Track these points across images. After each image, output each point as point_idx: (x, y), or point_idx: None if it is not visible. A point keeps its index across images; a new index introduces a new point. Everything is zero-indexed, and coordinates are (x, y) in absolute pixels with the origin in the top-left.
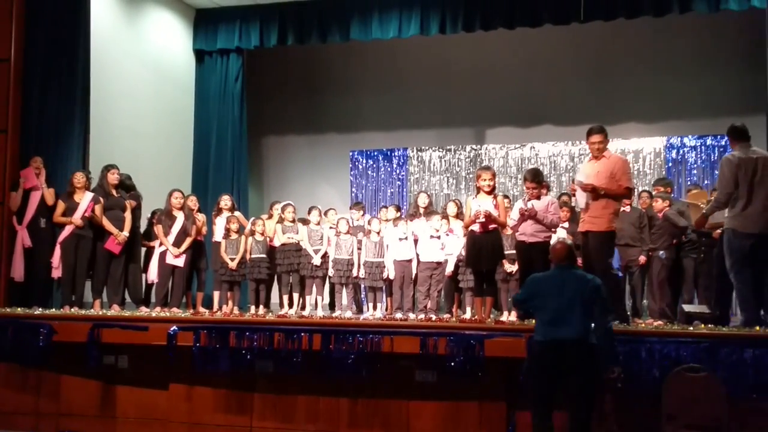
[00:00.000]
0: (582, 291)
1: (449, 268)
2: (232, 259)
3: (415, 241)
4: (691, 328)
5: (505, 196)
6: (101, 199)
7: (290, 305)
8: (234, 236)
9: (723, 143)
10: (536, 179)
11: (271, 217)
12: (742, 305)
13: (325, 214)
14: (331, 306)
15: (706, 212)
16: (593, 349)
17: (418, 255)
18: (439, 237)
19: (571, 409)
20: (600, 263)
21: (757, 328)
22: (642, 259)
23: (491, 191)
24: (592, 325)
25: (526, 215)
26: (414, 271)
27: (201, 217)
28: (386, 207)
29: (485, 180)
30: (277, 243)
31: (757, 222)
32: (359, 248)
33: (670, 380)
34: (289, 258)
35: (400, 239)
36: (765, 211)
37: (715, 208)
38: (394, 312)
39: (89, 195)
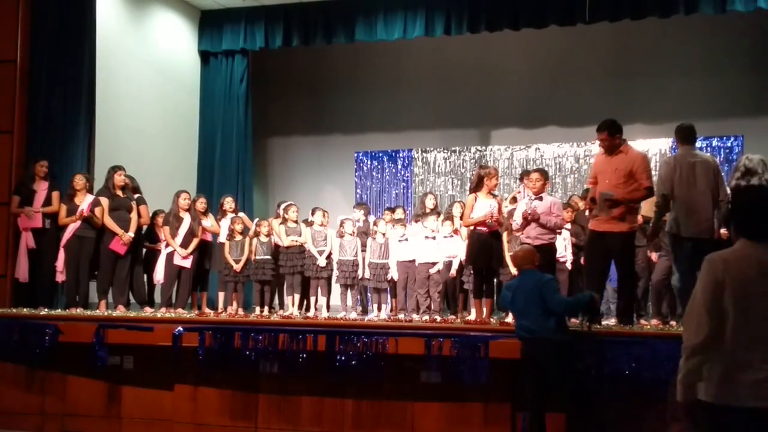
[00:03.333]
0: (536, 290)
1: (440, 267)
2: (237, 261)
3: None
4: None
5: (514, 199)
6: (101, 201)
7: (293, 306)
8: (238, 237)
9: (729, 144)
10: (542, 172)
11: (278, 217)
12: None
13: (313, 213)
14: (336, 307)
15: (654, 222)
16: (560, 346)
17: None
18: (434, 238)
19: (564, 409)
20: (624, 266)
21: None
22: (654, 256)
23: (489, 192)
24: (555, 320)
25: (529, 218)
26: (416, 272)
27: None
28: (392, 209)
29: (493, 181)
30: (285, 244)
31: (695, 226)
32: (363, 249)
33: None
34: (292, 259)
35: (399, 240)
36: (702, 215)
37: (658, 214)
38: (398, 313)
39: (90, 197)
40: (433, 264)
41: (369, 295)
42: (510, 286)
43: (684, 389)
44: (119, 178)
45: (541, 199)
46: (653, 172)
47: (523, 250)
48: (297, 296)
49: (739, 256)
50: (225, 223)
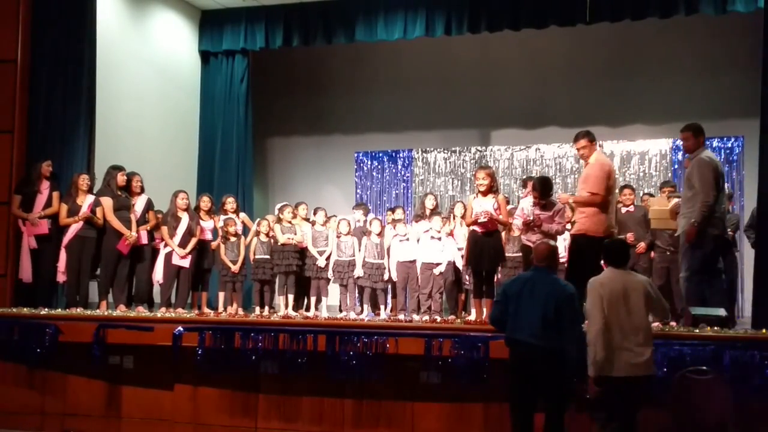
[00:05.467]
0: (552, 296)
1: (442, 269)
2: (234, 262)
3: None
4: (698, 331)
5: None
6: (102, 201)
7: (286, 306)
8: (233, 239)
9: (729, 145)
10: (543, 191)
11: (295, 217)
12: (701, 302)
13: (315, 213)
14: (333, 307)
15: (697, 221)
16: (561, 356)
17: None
18: (440, 239)
19: (545, 414)
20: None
21: (764, 330)
22: (641, 246)
23: (487, 191)
24: (562, 332)
25: (532, 225)
26: (418, 273)
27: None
28: (392, 209)
29: (478, 179)
30: (281, 241)
31: (722, 225)
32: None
33: (676, 382)
34: (287, 259)
35: (401, 240)
36: (723, 213)
37: (707, 214)
38: (397, 313)
39: (90, 197)
40: (437, 264)
41: (360, 294)
42: (518, 278)
43: (596, 368)
44: (121, 178)
45: (544, 206)
46: (609, 176)
47: (545, 245)
48: (291, 296)
49: (610, 278)
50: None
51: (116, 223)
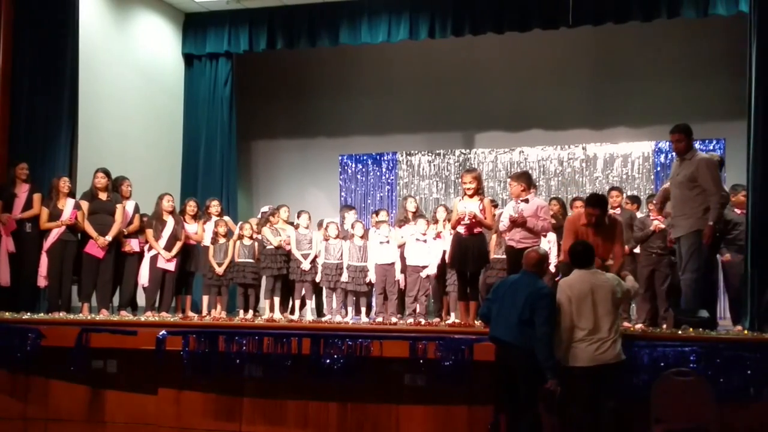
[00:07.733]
0: (529, 297)
1: (430, 271)
2: (220, 264)
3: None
4: (680, 332)
5: (493, 202)
6: (82, 205)
7: (272, 309)
8: (222, 241)
9: (711, 147)
10: (528, 179)
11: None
12: (704, 304)
13: (299, 216)
14: (320, 310)
15: (715, 221)
16: (531, 353)
17: (405, 259)
18: (425, 241)
19: (513, 413)
20: None
21: (746, 332)
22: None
23: (473, 194)
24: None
25: (517, 222)
26: (396, 275)
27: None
28: (376, 212)
29: (465, 183)
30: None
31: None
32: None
33: (659, 384)
34: (276, 262)
35: (381, 243)
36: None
37: (721, 212)
38: (377, 315)
39: (72, 201)
40: (423, 267)
41: (352, 298)
42: (507, 280)
43: (561, 361)
44: (99, 181)
45: (527, 201)
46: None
47: (536, 252)
48: (277, 299)
49: (578, 279)
50: (210, 226)
51: (87, 227)
